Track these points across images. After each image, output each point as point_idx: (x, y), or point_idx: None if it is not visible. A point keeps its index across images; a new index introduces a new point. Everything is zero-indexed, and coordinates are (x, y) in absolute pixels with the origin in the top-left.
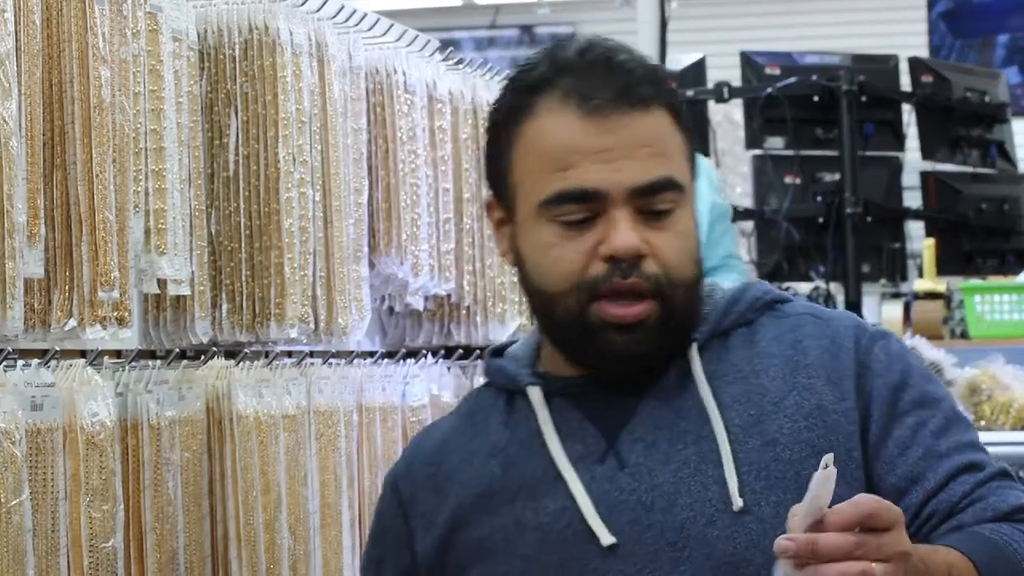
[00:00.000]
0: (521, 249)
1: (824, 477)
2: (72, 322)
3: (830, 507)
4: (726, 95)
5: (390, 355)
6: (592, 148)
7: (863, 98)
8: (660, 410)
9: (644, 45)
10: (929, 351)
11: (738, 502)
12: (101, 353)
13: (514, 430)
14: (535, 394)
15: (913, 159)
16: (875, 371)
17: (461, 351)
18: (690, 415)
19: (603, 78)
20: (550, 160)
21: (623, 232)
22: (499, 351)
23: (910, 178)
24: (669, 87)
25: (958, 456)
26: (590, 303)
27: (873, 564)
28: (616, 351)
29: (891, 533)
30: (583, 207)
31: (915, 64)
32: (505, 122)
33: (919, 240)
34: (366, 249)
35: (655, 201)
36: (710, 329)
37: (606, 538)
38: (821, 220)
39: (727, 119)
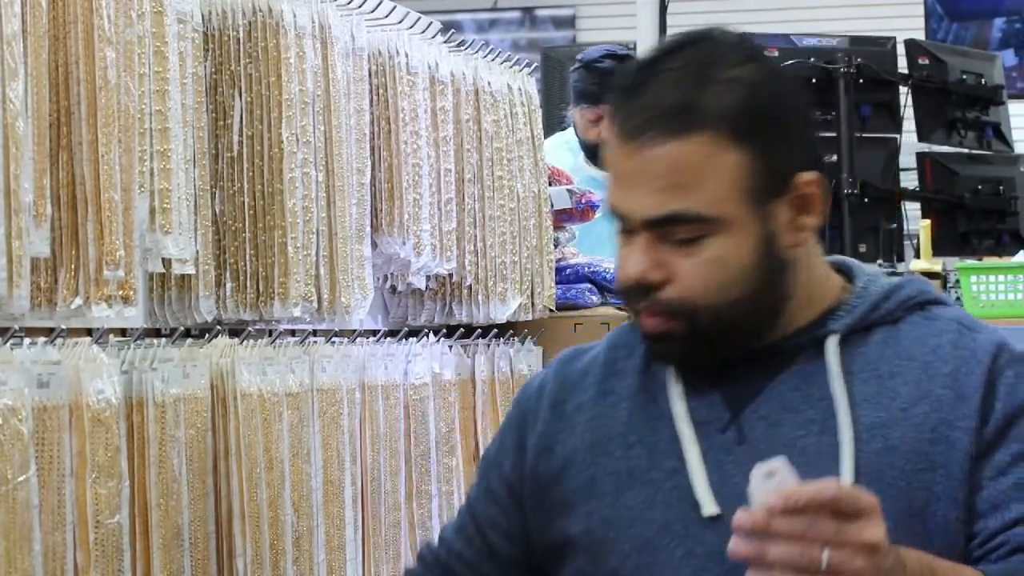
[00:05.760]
0: None
1: (761, 484)
2: (78, 300)
3: None
4: None
5: (392, 334)
6: (619, 171)
7: (860, 80)
8: (789, 393)
9: (643, 28)
10: None
11: None
12: (107, 331)
13: (650, 378)
14: None
15: (910, 140)
16: (999, 393)
17: (462, 330)
18: (819, 405)
19: (644, 101)
20: (606, 170)
21: (632, 260)
22: None
23: (907, 159)
24: (745, 103)
25: None
26: (631, 308)
27: (823, 550)
28: (655, 356)
29: (859, 522)
30: (622, 223)
31: (912, 46)
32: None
33: (916, 221)
34: (368, 229)
35: (671, 232)
36: (852, 322)
37: (708, 508)
38: None
39: None
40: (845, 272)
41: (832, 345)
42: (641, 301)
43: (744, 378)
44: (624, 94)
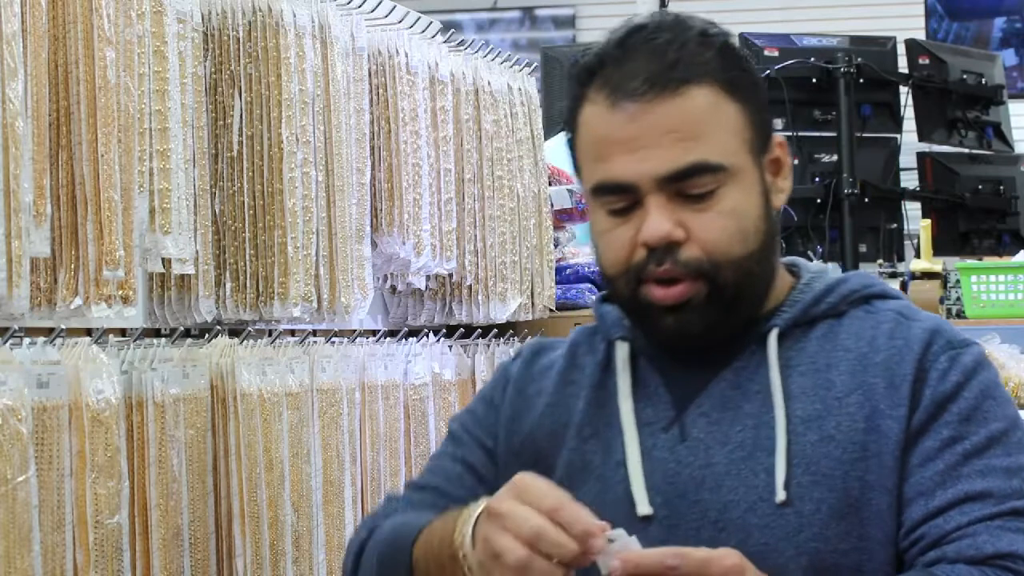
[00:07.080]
0: (591, 229)
1: (605, 549)
2: (78, 300)
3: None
4: None
5: (392, 334)
6: (619, 138)
7: (861, 80)
8: (729, 390)
9: None
10: None
11: (780, 495)
12: (106, 331)
13: (608, 376)
14: (622, 351)
15: (910, 140)
16: (930, 379)
17: (462, 330)
18: (756, 399)
19: (636, 65)
20: (592, 150)
21: (652, 221)
22: (609, 297)
23: (907, 159)
24: (724, 61)
25: (979, 481)
26: (639, 286)
27: None
28: (667, 331)
29: None
30: (621, 197)
31: (912, 46)
32: (570, 108)
33: (916, 221)
34: (368, 229)
35: (688, 186)
36: (794, 317)
37: (642, 508)
38: (819, 201)
39: None
40: (794, 271)
41: (772, 339)
42: (662, 265)
43: (691, 376)
44: (613, 63)
